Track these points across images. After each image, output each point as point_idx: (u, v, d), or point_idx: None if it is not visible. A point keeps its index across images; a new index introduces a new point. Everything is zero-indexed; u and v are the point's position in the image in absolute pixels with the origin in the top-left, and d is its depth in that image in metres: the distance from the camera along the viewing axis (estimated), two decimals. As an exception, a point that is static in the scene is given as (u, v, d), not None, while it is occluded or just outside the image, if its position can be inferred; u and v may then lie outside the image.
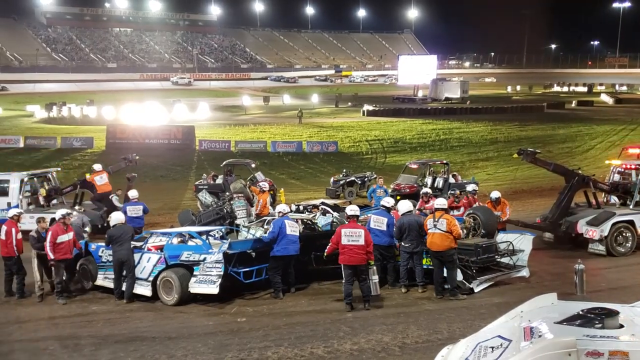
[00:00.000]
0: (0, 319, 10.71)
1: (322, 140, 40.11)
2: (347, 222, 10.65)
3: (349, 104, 68.66)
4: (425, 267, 11.29)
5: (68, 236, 11.47)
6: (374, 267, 10.69)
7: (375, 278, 10.73)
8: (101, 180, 17.58)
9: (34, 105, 61.64)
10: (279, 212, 11.69)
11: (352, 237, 10.21)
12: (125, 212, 15.64)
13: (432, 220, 10.89)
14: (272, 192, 21.47)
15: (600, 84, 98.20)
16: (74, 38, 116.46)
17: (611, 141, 38.48)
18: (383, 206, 11.95)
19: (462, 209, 14.80)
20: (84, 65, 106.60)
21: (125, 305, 11.17)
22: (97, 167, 18.32)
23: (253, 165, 23.11)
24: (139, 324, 10.20)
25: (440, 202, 11.29)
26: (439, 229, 10.75)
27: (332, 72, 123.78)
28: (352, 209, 10.76)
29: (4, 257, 11.75)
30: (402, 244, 11.19)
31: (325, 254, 10.69)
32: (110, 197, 17.58)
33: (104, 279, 11.94)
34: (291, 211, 13.24)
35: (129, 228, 11.88)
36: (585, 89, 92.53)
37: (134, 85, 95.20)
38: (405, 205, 11.60)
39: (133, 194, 16.03)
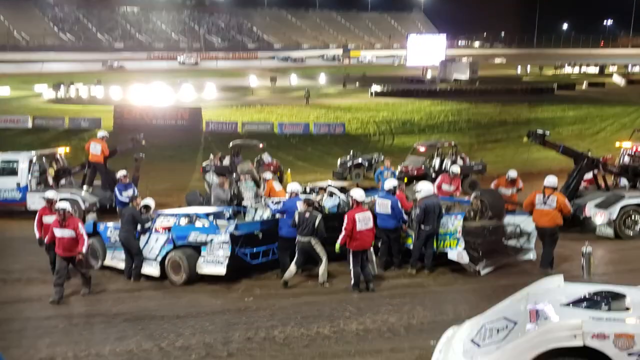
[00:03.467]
0: (11, 297, 10.84)
1: (330, 122, 39.98)
2: (354, 207, 10.55)
3: (357, 84, 68.29)
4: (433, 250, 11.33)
5: (62, 232, 10.39)
6: (371, 248, 10.70)
7: (374, 258, 10.84)
8: (94, 149, 17.30)
9: (42, 84, 61.69)
10: (291, 192, 11.67)
11: (364, 221, 10.25)
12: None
13: (541, 196, 11.22)
14: (278, 174, 21.51)
15: (613, 65, 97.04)
16: (81, 17, 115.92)
17: (622, 123, 38.18)
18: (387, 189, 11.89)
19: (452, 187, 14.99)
20: (91, 45, 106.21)
21: (134, 285, 11.29)
22: (100, 134, 18.01)
23: (260, 147, 23.09)
24: (148, 303, 10.31)
25: (551, 181, 11.36)
26: (549, 205, 11.08)
27: (340, 52, 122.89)
28: (360, 195, 10.69)
29: None
30: (422, 226, 11.13)
31: (339, 245, 10.40)
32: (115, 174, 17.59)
33: (113, 259, 12.06)
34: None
35: (129, 211, 11.68)
36: (597, 70, 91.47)
37: (141, 65, 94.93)
38: (427, 187, 11.56)
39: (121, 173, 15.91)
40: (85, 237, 10.50)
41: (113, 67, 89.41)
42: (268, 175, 16.05)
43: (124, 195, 15.23)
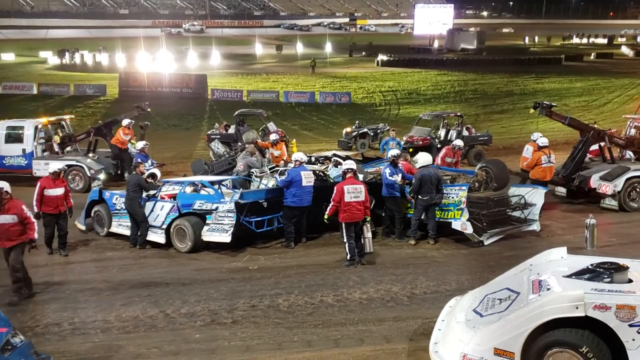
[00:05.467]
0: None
1: (335, 91, 39.79)
2: (344, 179, 10.35)
3: (363, 53, 67.73)
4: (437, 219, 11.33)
5: (55, 191, 10.88)
6: (368, 224, 10.48)
7: (369, 235, 10.57)
8: (125, 137, 17.23)
9: (47, 51, 61.41)
10: (296, 161, 11.64)
11: (354, 193, 10.05)
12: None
13: (546, 157, 13.30)
14: (284, 143, 21.50)
15: (622, 36, 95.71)
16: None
17: (629, 95, 37.83)
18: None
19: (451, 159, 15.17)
20: (95, 11, 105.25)
21: (140, 252, 11.38)
22: (125, 122, 17.59)
23: (265, 116, 23.02)
24: (153, 270, 10.40)
25: (546, 141, 13.63)
26: (552, 162, 13.29)
27: (347, 20, 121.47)
28: (349, 164, 10.56)
29: None
30: (419, 197, 11.13)
31: (327, 216, 10.35)
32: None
33: (118, 226, 12.14)
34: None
35: (134, 179, 11.69)
36: (605, 41, 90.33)
37: (146, 32, 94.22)
38: (424, 158, 11.53)
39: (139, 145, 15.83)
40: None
41: (171, 33, 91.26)
42: (277, 136, 16.26)
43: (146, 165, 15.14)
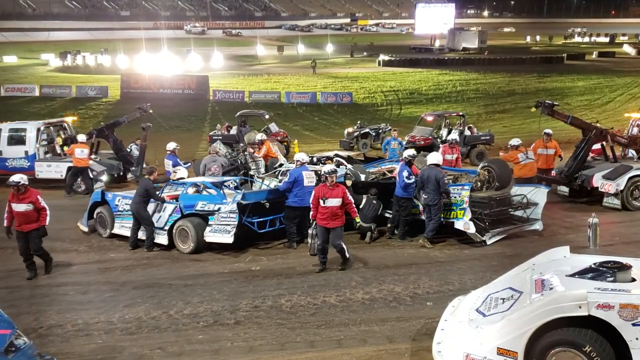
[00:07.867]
0: (21, 265, 10.91)
1: (337, 92, 39.81)
2: (334, 183, 9.95)
3: (365, 53, 67.75)
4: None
5: (17, 207, 9.71)
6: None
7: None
8: (81, 154, 16.22)
9: (49, 53, 61.50)
10: (297, 161, 11.63)
11: None
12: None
13: (523, 154, 13.69)
14: (285, 144, 21.53)
15: (623, 34, 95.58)
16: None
17: (632, 94, 37.80)
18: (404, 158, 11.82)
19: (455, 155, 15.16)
20: (97, 13, 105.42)
21: (142, 253, 11.39)
22: (81, 137, 16.77)
23: (267, 116, 23.04)
24: (156, 271, 10.41)
25: (519, 139, 14.00)
26: (530, 159, 13.69)
27: (348, 20, 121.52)
28: (333, 169, 10.31)
29: None
30: (423, 195, 11.13)
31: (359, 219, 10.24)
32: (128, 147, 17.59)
33: (121, 228, 12.14)
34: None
35: (143, 182, 11.69)
36: (607, 40, 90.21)
37: (147, 34, 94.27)
38: (432, 158, 11.49)
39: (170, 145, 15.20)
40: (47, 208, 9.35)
41: (232, 34, 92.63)
42: (263, 136, 16.15)
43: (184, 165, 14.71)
